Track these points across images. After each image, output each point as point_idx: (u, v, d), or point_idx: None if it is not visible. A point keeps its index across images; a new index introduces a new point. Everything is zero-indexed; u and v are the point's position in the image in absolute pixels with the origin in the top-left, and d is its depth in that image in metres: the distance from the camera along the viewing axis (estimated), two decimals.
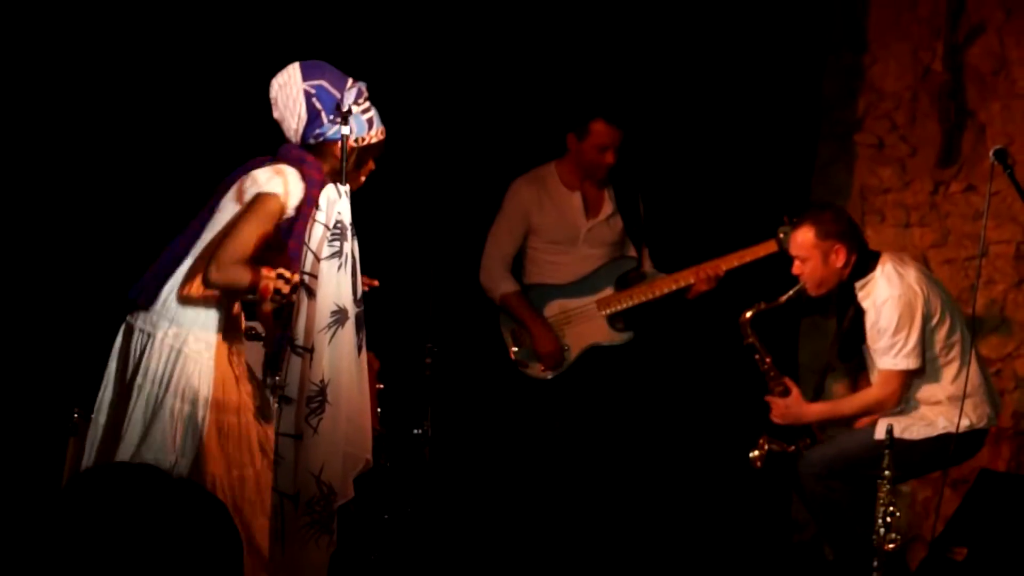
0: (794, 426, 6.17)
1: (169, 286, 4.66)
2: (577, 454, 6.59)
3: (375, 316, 5.05)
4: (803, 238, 6.00)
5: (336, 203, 4.86)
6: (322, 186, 4.74)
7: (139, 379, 4.62)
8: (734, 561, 7.14)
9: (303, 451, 4.76)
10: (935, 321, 5.89)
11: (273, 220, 4.66)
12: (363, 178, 4.90)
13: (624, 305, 6.61)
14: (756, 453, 6.22)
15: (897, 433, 5.77)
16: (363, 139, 4.81)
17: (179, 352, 4.61)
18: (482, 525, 6.90)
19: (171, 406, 4.59)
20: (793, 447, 6.17)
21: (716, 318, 6.90)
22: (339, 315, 4.80)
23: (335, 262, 4.82)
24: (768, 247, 6.38)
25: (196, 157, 6.24)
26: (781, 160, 7.23)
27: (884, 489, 5.55)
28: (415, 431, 6.35)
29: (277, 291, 4.57)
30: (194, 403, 4.60)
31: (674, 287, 6.55)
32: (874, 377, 6.02)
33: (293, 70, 4.77)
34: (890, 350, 5.87)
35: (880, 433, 5.75)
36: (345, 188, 4.88)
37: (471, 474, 7.04)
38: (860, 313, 5.97)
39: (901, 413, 5.92)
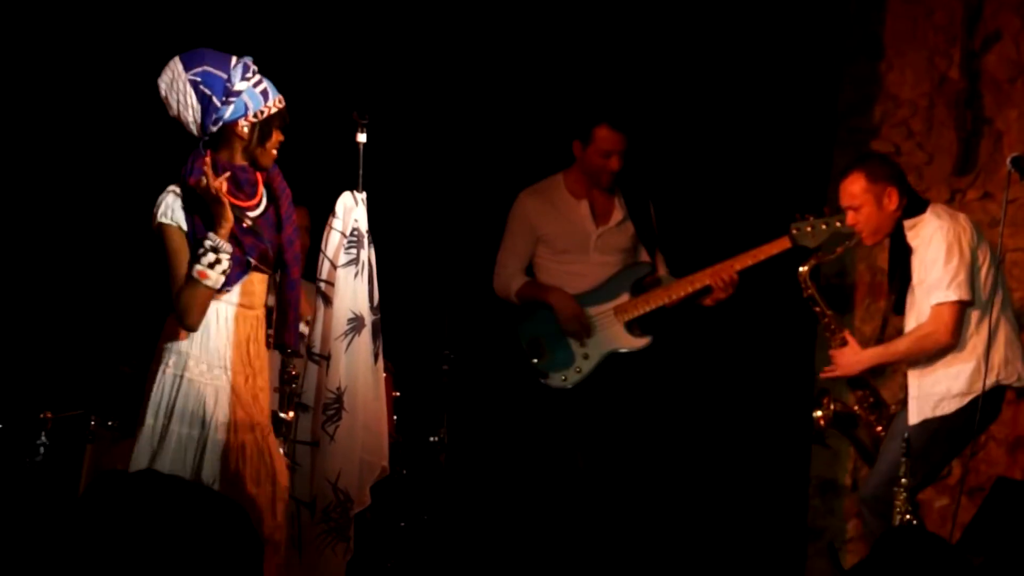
0: (854, 380, 6.12)
1: (170, 320, 4.68)
2: (598, 461, 6.58)
3: (392, 323, 5.06)
4: (854, 186, 5.91)
5: (353, 210, 4.87)
6: (233, 171, 4.67)
7: (147, 415, 4.62)
8: (750, 569, 7.14)
9: (320, 458, 4.77)
10: (980, 263, 5.80)
11: (179, 242, 4.63)
12: (274, 151, 4.77)
13: (641, 311, 6.60)
14: (820, 413, 6.21)
15: (929, 413, 5.77)
16: (262, 112, 4.69)
17: (180, 378, 4.62)
18: (498, 532, 6.90)
19: (176, 432, 4.61)
20: (857, 406, 6.15)
21: (733, 320, 6.90)
22: (356, 322, 4.81)
23: (352, 269, 4.83)
24: (781, 244, 6.36)
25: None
26: (797, 167, 7.23)
27: (901, 497, 5.54)
28: (431, 438, 6.36)
29: (210, 265, 4.56)
30: (203, 426, 4.61)
31: (690, 290, 6.54)
32: (909, 324, 5.94)
33: (174, 65, 4.68)
34: (940, 283, 5.76)
35: (913, 417, 5.76)
36: (362, 196, 4.88)
37: (487, 481, 7.04)
38: (910, 254, 5.89)
39: (930, 372, 5.85)
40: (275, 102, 4.73)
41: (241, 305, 4.70)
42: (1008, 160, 5.55)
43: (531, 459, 6.68)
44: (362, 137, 4.90)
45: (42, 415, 5.65)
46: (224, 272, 4.59)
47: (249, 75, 4.70)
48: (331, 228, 4.87)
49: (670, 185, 7.10)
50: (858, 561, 5.96)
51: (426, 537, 6.34)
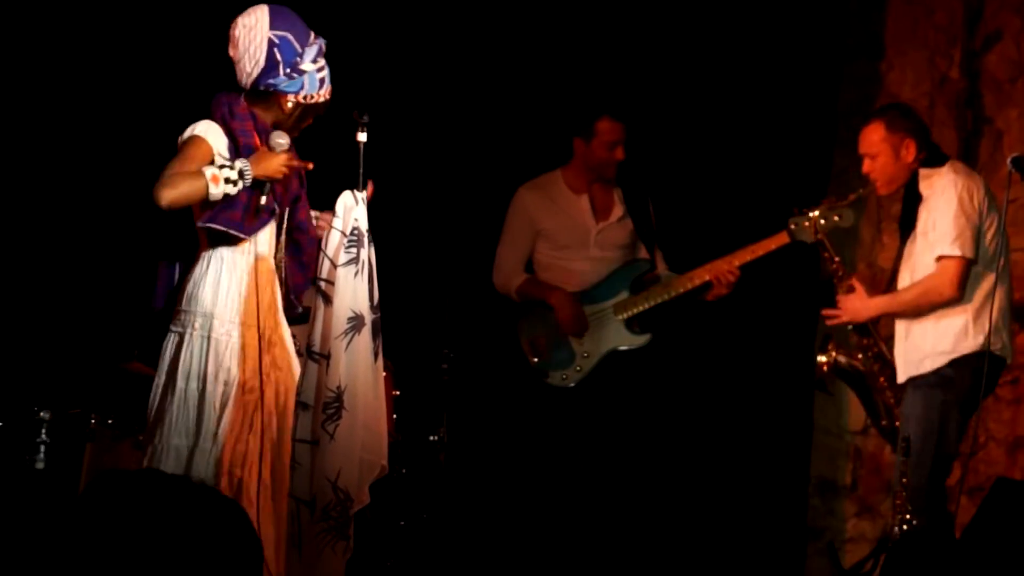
0: (859, 328, 6.11)
1: (190, 281, 4.66)
2: (598, 459, 6.58)
3: (391, 322, 5.05)
4: (873, 134, 5.92)
5: (353, 210, 4.88)
6: (261, 133, 4.69)
7: (178, 379, 4.62)
8: (750, 568, 7.14)
9: (319, 457, 4.77)
10: (987, 225, 5.80)
11: (205, 153, 4.59)
12: (297, 132, 4.83)
13: (641, 308, 6.60)
14: (823, 359, 6.20)
15: (914, 371, 5.79)
16: (311, 97, 4.75)
17: (208, 339, 4.60)
18: (498, 531, 6.89)
19: (211, 393, 4.58)
20: (860, 355, 6.14)
21: (732, 318, 6.91)
22: (356, 321, 4.81)
23: (352, 268, 4.83)
24: (780, 239, 6.36)
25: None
26: (798, 166, 7.23)
27: (902, 496, 5.54)
28: (431, 437, 6.35)
29: (226, 180, 4.53)
30: (227, 383, 4.60)
31: (690, 286, 6.54)
32: (904, 275, 5.93)
33: (261, 14, 4.71)
34: (946, 236, 5.76)
35: (901, 376, 5.79)
36: (362, 195, 4.89)
37: (487, 480, 7.04)
38: (919, 202, 5.89)
39: (918, 327, 5.83)
40: (325, 93, 4.79)
41: (257, 258, 4.69)
42: (1008, 160, 5.54)
43: (531, 458, 6.68)
44: (362, 136, 4.90)
45: (41, 413, 5.65)
46: (226, 194, 4.55)
47: (318, 60, 4.74)
48: (331, 227, 4.88)
49: (671, 183, 7.10)
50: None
51: (425, 536, 6.34)
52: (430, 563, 6.32)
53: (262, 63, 4.68)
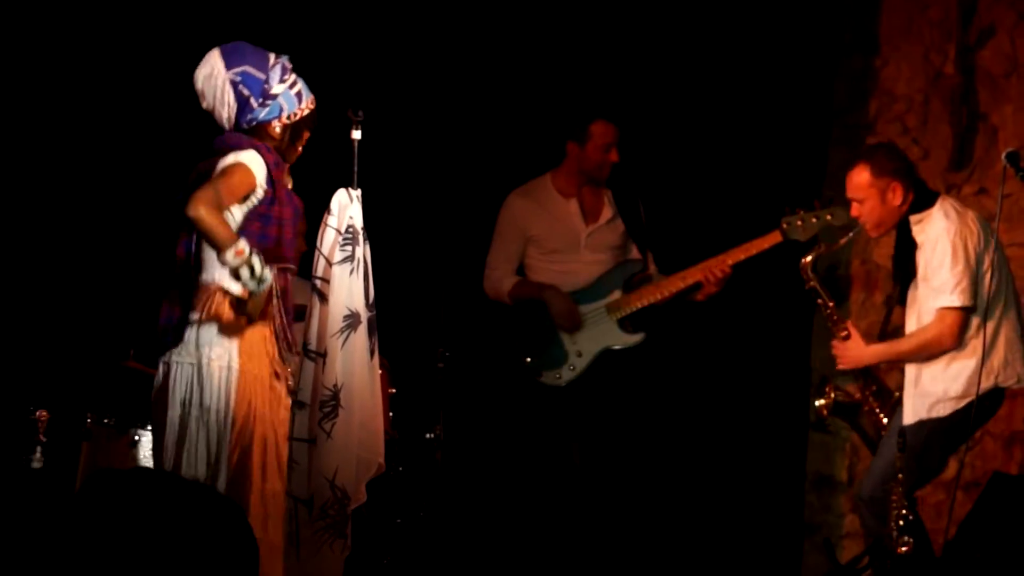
0: (857, 370, 6.12)
1: (195, 314, 4.64)
2: (594, 457, 6.59)
3: (387, 320, 5.06)
4: (859, 178, 5.87)
5: (348, 207, 4.87)
6: (276, 164, 4.70)
7: (196, 411, 4.60)
8: (747, 564, 7.14)
9: (317, 456, 4.77)
10: (984, 266, 5.78)
11: (245, 186, 4.57)
12: (300, 149, 4.85)
13: (634, 307, 6.60)
14: (822, 402, 6.21)
15: (924, 414, 5.77)
16: (295, 114, 4.76)
17: (230, 369, 4.59)
18: (495, 529, 6.90)
19: (231, 425, 4.58)
20: (859, 395, 6.15)
21: (727, 315, 6.91)
22: (351, 319, 4.81)
23: (347, 267, 4.83)
24: (773, 238, 6.37)
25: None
26: (792, 164, 7.23)
27: (898, 492, 5.54)
28: (427, 435, 6.36)
29: (251, 268, 4.45)
30: (248, 417, 4.60)
31: (682, 286, 6.54)
32: (911, 320, 5.95)
33: (215, 60, 4.70)
34: (944, 287, 5.74)
35: (909, 417, 5.77)
36: (357, 192, 4.89)
37: (483, 478, 7.04)
38: (915, 248, 5.87)
39: (928, 371, 5.84)
40: (308, 104, 4.79)
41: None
42: (1003, 155, 5.53)
43: (527, 456, 6.68)
44: (357, 134, 4.90)
45: (37, 413, 5.65)
46: (236, 277, 4.50)
47: (286, 77, 4.74)
48: (326, 225, 4.87)
49: (664, 182, 7.10)
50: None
51: (422, 534, 6.35)
52: (427, 561, 6.32)
53: (234, 105, 4.69)
